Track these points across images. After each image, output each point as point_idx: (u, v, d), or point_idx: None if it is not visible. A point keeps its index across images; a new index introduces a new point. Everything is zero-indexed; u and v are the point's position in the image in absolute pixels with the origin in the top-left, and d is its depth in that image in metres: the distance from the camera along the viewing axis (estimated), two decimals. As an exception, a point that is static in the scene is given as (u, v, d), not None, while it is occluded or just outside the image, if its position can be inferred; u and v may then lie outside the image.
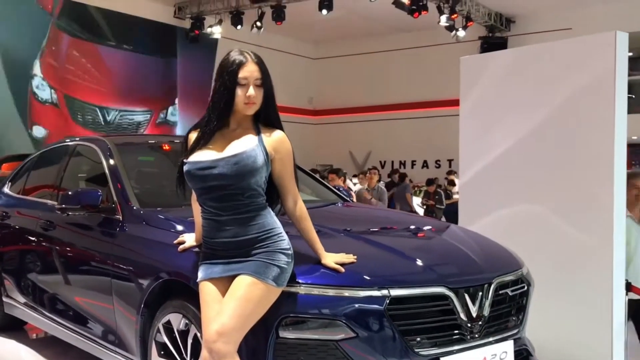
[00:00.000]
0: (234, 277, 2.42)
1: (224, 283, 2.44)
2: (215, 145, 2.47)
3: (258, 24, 15.87)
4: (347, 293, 2.46)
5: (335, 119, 21.22)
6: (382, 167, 19.45)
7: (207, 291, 2.44)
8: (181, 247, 2.78)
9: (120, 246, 3.27)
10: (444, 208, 11.86)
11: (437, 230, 3.40)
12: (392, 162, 19.86)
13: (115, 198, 3.46)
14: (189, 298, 2.67)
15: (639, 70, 15.02)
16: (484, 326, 2.68)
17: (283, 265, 2.41)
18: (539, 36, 15.74)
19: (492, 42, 17.03)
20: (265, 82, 2.47)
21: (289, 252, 2.45)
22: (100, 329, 3.44)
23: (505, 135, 4.08)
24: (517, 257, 3.10)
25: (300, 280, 2.47)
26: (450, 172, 14.39)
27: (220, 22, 16.53)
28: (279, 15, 15.37)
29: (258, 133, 2.49)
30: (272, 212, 2.51)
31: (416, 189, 14.48)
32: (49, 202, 4.15)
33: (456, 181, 12.32)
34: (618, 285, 3.58)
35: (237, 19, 16.03)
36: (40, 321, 4.16)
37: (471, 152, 4.30)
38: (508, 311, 2.86)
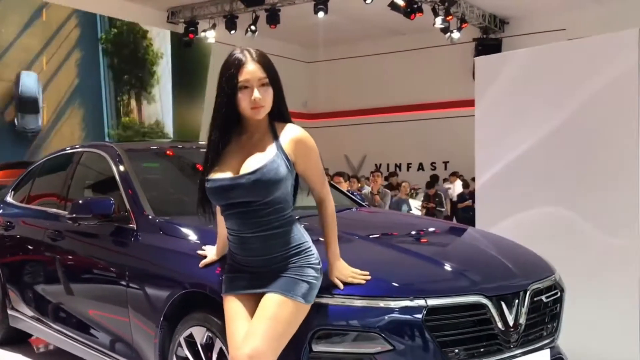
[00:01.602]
0: (261, 293, 2.30)
1: (250, 299, 2.32)
2: (234, 159, 2.31)
3: (252, 27, 15.72)
4: (382, 304, 2.35)
5: (330, 123, 21.08)
6: (378, 170, 19.36)
7: (233, 307, 2.33)
8: (202, 262, 2.66)
9: (136, 257, 3.15)
10: (445, 211, 11.79)
11: (464, 235, 3.30)
12: (388, 165, 19.75)
13: (128, 206, 3.33)
14: (213, 310, 2.55)
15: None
16: (521, 335, 2.58)
17: (312, 281, 2.29)
18: (533, 37, 15.67)
19: (487, 44, 16.93)
20: (273, 80, 2.30)
21: (318, 266, 2.33)
22: (115, 342, 3.32)
23: (524, 136, 4.00)
24: (549, 262, 3.01)
25: (333, 291, 2.36)
26: (453, 174, 14.23)
27: (214, 26, 16.37)
28: (273, 18, 15.22)
29: (276, 136, 2.32)
30: (299, 225, 2.37)
31: (412, 191, 14.40)
32: (57, 211, 4.02)
33: (458, 183, 12.21)
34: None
35: (231, 23, 15.88)
36: (48, 334, 4.02)
37: (488, 153, 4.21)
38: (543, 319, 2.76)
